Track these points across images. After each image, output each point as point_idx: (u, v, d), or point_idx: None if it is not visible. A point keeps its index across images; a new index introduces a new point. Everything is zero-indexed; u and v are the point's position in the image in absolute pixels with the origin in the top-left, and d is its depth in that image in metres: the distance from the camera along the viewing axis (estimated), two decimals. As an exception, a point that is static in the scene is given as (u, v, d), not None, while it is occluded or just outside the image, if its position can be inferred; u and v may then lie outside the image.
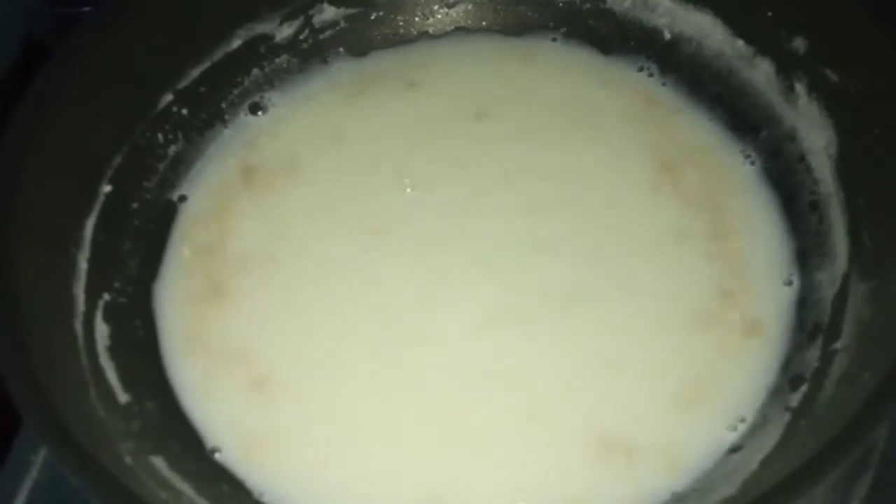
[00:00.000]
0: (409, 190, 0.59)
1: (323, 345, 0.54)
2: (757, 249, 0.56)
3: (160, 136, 0.60)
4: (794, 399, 0.49)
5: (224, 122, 0.63)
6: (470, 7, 0.68)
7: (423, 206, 0.58)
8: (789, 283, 0.54)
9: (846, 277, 0.51)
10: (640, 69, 0.63)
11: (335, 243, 0.57)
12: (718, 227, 0.57)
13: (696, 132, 0.60)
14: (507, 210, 0.57)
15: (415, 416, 0.51)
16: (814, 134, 0.56)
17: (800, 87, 0.57)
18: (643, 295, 0.54)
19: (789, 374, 0.51)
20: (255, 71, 0.64)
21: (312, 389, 0.53)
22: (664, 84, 0.63)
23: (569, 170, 0.59)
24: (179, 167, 0.61)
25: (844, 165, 0.54)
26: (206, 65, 0.62)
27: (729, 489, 0.46)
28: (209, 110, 0.62)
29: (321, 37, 0.66)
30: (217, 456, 0.51)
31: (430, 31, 0.67)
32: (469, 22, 0.68)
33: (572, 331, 0.53)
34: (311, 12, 0.65)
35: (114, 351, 0.52)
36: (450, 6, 0.68)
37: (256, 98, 0.64)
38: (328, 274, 0.56)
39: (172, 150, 0.61)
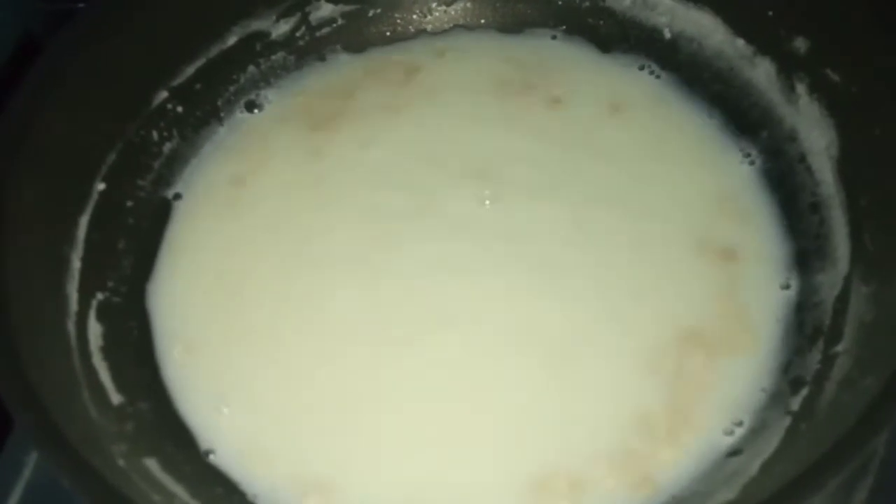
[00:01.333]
0: (487, 203, 0.58)
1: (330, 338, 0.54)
2: (757, 250, 0.55)
3: (155, 134, 0.60)
4: (795, 402, 0.49)
5: (220, 120, 0.63)
6: (468, 4, 0.67)
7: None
8: (788, 286, 0.54)
9: (847, 280, 0.51)
10: (641, 68, 0.63)
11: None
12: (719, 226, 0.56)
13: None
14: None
15: (422, 422, 0.51)
16: (815, 134, 0.56)
17: (801, 87, 0.57)
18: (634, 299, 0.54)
19: (789, 378, 0.50)
20: (252, 68, 0.64)
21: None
22: (659, 78, 0.62)
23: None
24: (174, 165, 0.61)
25: (846, 166, 0.54)
26: (201, 62, 0.61)
27: (729, 493, 0.46)
28: (204, 108, 0.62)
29: (318, 34, 0.66)
30: (211, 458, 0.51)
31: (428, 29, 0.67)
32: (467, 19, 0.67)
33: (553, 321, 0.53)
34: (307, 9, 0.65)
35: (107, 351, 0.52)
36: (448, 4, 0.67)
37: (252, 96, 0.64)
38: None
39: (167, 147, 0.60)
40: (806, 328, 0.52)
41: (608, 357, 0.51)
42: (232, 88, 0.63)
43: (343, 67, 0.65)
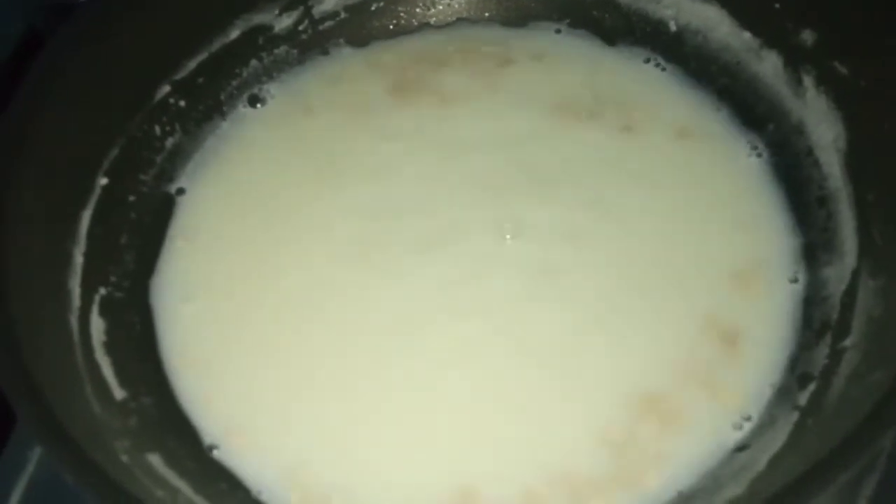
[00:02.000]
0: (508, 238, 0.56)
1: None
2: (764, 244, 0.55)
3: (157, 129, 0.59)
4: (803, 397, 0.49)
5: (222, 115, 0.63)
6: (472, -3, 0.67)
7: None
8: (795, 280, 0.53)
9: (855, 274, 0.51)
10: (647, 61, 0.63)
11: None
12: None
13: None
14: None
15: (427, 418, 0.51)
16: (822, 127, 0.55)
17: (808, 80, 0.56)
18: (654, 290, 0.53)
19: (797, 373, 0.50)
20: (254, 62, 0.64)
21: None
22: (665, 71, 0.62)
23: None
24: (177, 160, 0.61)
25: (853, 160, 0.53)
26: (203, 56, 0.61)
27: (736, 489, 0.45)
28: (207, 102, 0.62)
29: (321, 27, 0.65)
30: (215, 453, 0.51)
31: (432, 22, 0.67)
32: (471, 12, 0.67)
33: (568, 326, 0.53)
34: (310, 2, 0.64)
35: (110, 346, 0.52)
36: (451, -4, 0.67)
37: (255, 90, 0.64)
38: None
39: (170, 142, 0.60)
40: (814, 323, 0.51)
41: (565, 417, 0.50)
42: (234, 83, 0.63)
43: (436, 38, 0.65)
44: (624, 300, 0.53)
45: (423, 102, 0.61)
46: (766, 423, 0.49)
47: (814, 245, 0.54)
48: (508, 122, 0.60)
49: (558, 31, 0.65)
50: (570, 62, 0.63)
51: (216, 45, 0.61)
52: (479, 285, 0.54)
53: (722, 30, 0.61)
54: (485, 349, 0.52)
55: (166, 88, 0.59)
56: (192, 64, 0.61)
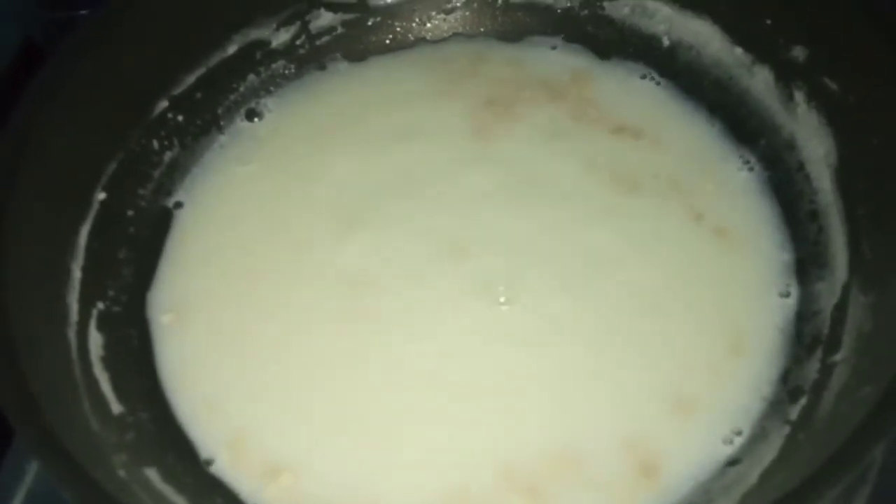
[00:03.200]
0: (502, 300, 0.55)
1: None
2: (755, 259, 0.55)
3: (155, 143, 0.60)
4: (794, 412, 0.49)
5: (220, 129, 0.63)
6: (468, 13, 0.67)
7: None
8: (787, 294, 0.54)
9: (846, 289, 0.51)
10: (643, 77, 0.63)
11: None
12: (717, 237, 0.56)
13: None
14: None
15: (428, 431, 0.51)
16: (813, 143, 0.56)
17: (799, 96, 0.57)
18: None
19: (788, 387, 0.51)
20: (252, 77, 0.64)
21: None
22: (659, 85, 0.62)
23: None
24: (175, 174, 0.61)
25: (844, 175, 0.54)
26: (201, 71, 0.61)
27: (728, 502, 0.46)
28: (205, 117, 0.62)
29: (318, 43, 0.66)
30: (211, 468, 0.51)
31: (428, 38, 0.67)
32: (467, 28, 0.68)
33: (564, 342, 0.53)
34: (307, 18, 0.65)
35: (107, 361, 0.52)
36: (447, 12, 0.67)
37: (252, 104, 0.64)
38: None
39: (168, 156, 0.61)
40: (805, 337, 0.52)
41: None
42: (232, 97, 0.63)
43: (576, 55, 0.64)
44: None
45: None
46: (758, 437, 0.49)
47: (805, 259, 0.55)
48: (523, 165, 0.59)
49: (554, 48, 0.65)
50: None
51: (214, 60, 0.62)
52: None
53: (714, 45, 0.61)
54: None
55: (164, 103, 0.60)
56: (191, 79, 0.61)
